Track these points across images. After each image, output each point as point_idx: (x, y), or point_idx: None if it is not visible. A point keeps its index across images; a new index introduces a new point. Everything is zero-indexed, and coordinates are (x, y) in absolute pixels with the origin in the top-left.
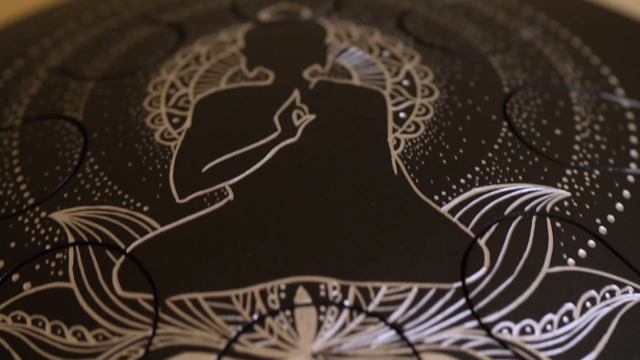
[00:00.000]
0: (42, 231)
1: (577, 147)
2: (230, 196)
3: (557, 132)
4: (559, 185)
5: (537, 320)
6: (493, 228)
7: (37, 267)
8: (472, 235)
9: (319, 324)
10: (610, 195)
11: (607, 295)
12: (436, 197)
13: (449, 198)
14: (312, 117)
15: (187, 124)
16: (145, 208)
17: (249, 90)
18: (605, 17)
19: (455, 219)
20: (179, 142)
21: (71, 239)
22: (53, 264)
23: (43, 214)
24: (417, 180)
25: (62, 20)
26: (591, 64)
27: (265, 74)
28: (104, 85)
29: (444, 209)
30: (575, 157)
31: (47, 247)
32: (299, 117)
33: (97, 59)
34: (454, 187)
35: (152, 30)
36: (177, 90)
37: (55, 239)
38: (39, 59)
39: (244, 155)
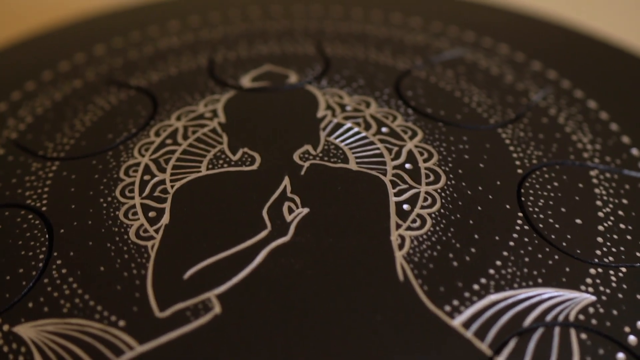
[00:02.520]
0: (5, 348)
1: (600, 239)
2: (217, 309)
3: (578, 221)
4: (583, 287)
5: None
6: (512, 343)
7: None
8: (489, 353)
9: None
10: (639, 297)
11: None
12: (447, 308)
13: (462, 308)
14: (305, 211)
15: (165, 219)
16: (121, 323)
17: (233, 176)
18: (624, 72)
19: (469, 334)
20: (156, 241)
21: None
22: None
23: (5, 327)
24: (425, 288)
25: (19, 79)
26: (610, 131)
27: (250, 156)
28: (69, 167)
29: (457, 322)
30: (598, 252)
31: None
32: (290, 210)
33: (59, 133)
34: (467, 294)
35: (121, 97)
36: (153, 177)
37: (21, 359)
38: None
39: (230, 259)
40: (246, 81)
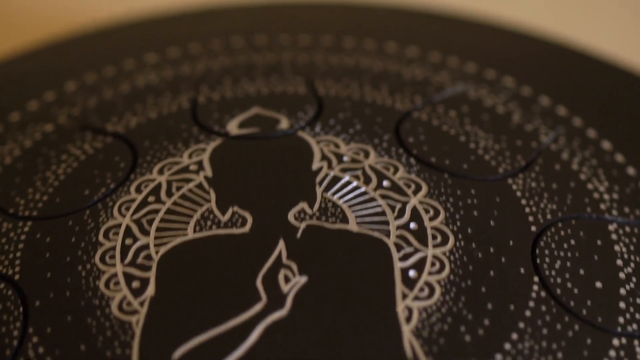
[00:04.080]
0: None
1: (622, 305)
2: None
3: (598, 285)
4: None
5: None
6: None
7: None
8: None
9: None
10: None
11: None
12: None
13: None
14: (303, 279)
15: (151, 290)
16: None
17: (223, 240)
18: None
19: None
20: (141, 316)
21: None
22: None
23: None
24: None
25: None
26: (628, 177)
27: (241, 216)
28: (43, 228)
29: None
30: (621, 320)
31: None
32: (287, 279)
33: (31, 187)
34: None
35: (96, 145)
36: (135, 241)
37: None
38: None
39: (223, 336)
40: (233, 127)
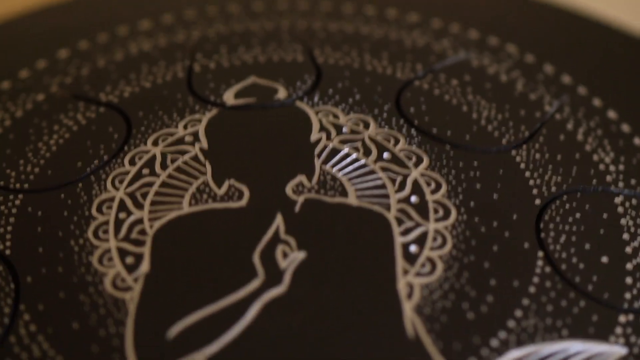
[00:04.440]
0: None
1: (629, 280)
2: None
3: (604, 260)
4: (613, 338)
5: None
6: None
7: None
8: None
9: None
10: None
11: None
12: None
13: None
14: (301, 255)
15: (145, 266)
16: None
17: (219, 214)
18: None
19: None
20: (135, 293)
21: None
22: None
23: None
24: (438, 345)
25: None
26: (634, 147)
27: (238, 189)
28: (34, 201)
29: None
30: (628, 295)
31: None
32: (285, 255)
33: (22, 158)
34: (486, 353)
35: (89, 115)
36: (129, 215)
37: None
38: None
39: (219, 314)
40: (229, 97)
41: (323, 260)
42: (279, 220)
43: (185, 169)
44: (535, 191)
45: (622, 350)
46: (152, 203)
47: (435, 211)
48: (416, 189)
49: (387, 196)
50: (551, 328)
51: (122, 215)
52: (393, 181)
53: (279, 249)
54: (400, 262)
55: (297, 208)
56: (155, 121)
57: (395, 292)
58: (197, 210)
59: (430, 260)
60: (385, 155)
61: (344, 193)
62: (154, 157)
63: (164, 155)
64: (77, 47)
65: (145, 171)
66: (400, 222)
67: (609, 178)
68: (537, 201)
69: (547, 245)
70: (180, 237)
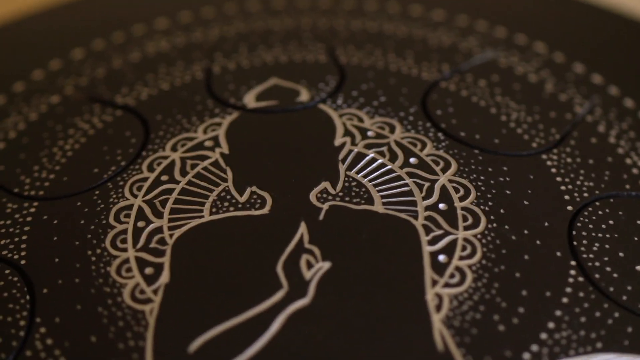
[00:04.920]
0: None
1: None
2: None
3: (639, 268)
4: None
5: None
6: None
7: None
8: None
9: None
10: None
11: None
12: None
13: None
14: (326, 265)
15: (165, 277)
16: None
17: (241, 222)
18: None
19: None
20: (155, 305)
21: None
22: None
23: None
24: (468, 359)
25: None
26: None
27: (260, 197)
28: (50, 209)
29: None
30: None
31: None
32: (309, 265)
33: (36, 164)
34: None
35: (106, 118)
36: (148, 223)
37: None
38: None
39: (242, 327)
40: (250, 99)
41: (348, 270)
42: (302, 229)
43: (206, 175)
44: (567, 197)
45: None
46: (172, 211)
47: (464, 219)
48: (444, 195)
49: (414, 203)
50: (585, 340)
51: (140, 223)
52: (420, 187)
53: (303, 258)
54: (428, 272)
55: (321, 216)
56: (173, 125)
57: (424, 304)
58: (218, 218)
59: (459, 270)
60: (412, 160)
61: (370, 200)
62: (173, 163)
63: (183, 161)
64: (91, 47)
65: (164, 178)
66: (428, 230)
67: None
68: (569, 207)
69: (580, 254)
70: (201, 247)
